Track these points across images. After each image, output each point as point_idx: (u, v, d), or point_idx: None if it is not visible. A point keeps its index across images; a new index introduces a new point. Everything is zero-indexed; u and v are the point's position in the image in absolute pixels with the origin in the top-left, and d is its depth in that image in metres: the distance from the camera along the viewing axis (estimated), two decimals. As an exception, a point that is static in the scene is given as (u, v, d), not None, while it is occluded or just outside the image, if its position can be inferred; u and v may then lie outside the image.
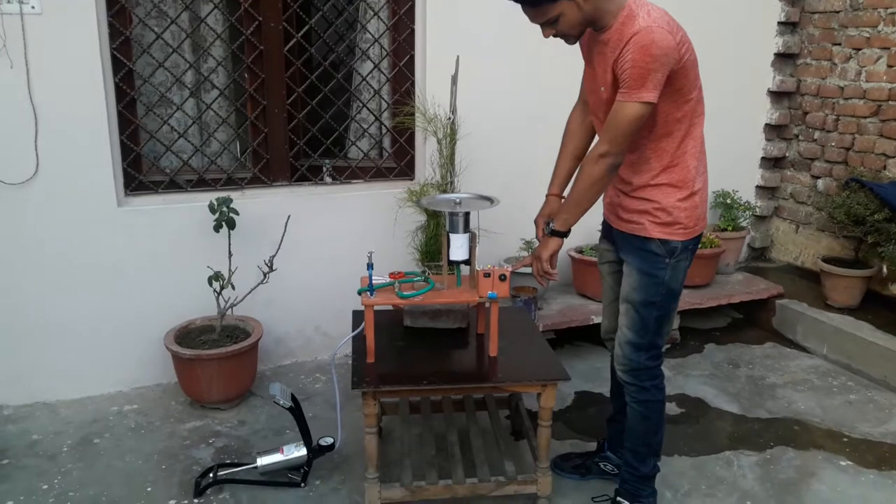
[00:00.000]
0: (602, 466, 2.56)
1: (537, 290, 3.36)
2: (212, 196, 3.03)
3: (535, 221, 2.37)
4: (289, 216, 3.07)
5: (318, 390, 3.21)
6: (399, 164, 3.55)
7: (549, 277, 2.22)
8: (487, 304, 2.34)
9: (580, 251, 3.66)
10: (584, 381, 3.33)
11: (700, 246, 2.53)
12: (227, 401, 2.98)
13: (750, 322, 4.01)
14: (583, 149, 2.31)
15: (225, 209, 2.94)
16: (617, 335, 2.24)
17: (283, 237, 3.06)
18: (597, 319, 3.41)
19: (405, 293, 2.28)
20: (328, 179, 3.45)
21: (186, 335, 3.05)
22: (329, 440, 2.56)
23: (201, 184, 3.21)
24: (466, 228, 2.32)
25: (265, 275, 3.00)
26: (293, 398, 2.52)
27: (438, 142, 3.16)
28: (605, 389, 3.11)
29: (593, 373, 3.40)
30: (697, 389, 3.27)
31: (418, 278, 2.38)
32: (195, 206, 3.06)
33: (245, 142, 3.32)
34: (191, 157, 3.20)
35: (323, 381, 3.28)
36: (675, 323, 3.72)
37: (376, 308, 2.27)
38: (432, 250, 3.11)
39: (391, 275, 2.32)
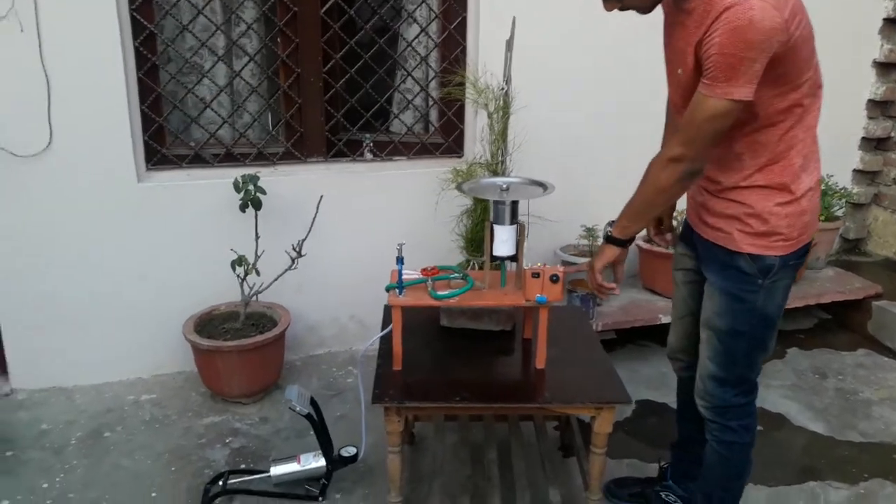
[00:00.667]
0: (664, 497, 2.20)
1: (596, 285, 2.99)
2: (240, 172, 2.77)
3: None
4: (321, 196, 2.78)
5: (350, 385, 2.94)
6: (446, 139, 3.22)
7: (604, 292, 1.87)
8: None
9: (649, 241, 3.26)
10: (647, 388, 2.96)
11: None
12: (249, 395, 2.74)
13: (840, 324, 3.54)
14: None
15: (251, 188, 2.67)
16: (699, 365, 1.86)
17: (314, 218, 2.78)
18: (665, 319, 3.02)
19: (439, 293, 1.96)
20: (368, 155, 3.14)
21: (209, 322, 2.82)
22: (352, 450, 2.28)
23: (229, 158, 2.96)
24: (514, 219, 1.98)
25: (293, 260, 2.73)
26: (312, 402, 2.25)
27: (489, 116, 2.80)
28: (671, 399, 2.74)
29: (659, 378, 3.02)
30: (778, 403, 2.86)
31: (455, 275, 2.05)
32: (222, 182, 2.80)
33: (277, 113, 3.04)
34: (218, 129, 2.94)
35: (356, 376, 3.01)
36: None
37: (408, 307, 1.96)
38: (478, 238, 2.78)
39: (423, 271, 2.00)
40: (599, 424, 1.91)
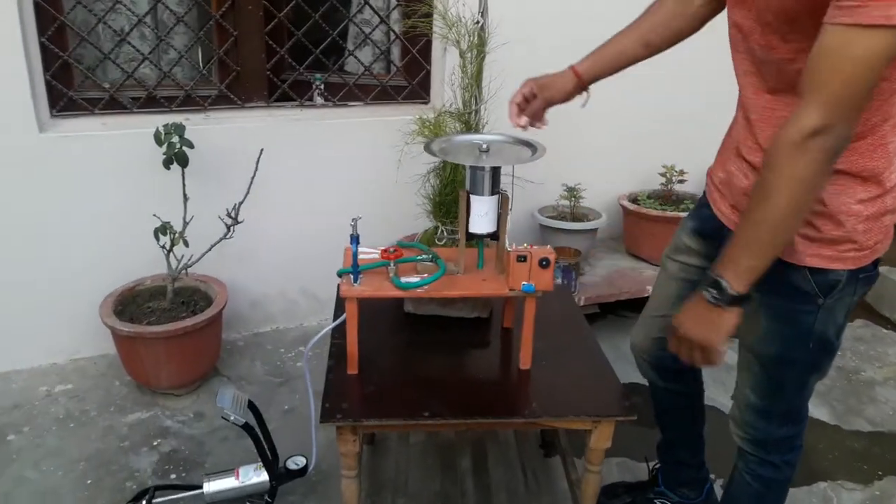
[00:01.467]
0: (658, 505, 1.91)
1: (580, 253, 2.64)
2: (165, 120, 2.31)
3: (512, 101, 1.64)
4: (262, 150, 2.34)
5: (300, 371, 2.57)
6: (410, 82, 2.78)
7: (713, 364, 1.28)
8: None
9: (635, 200, 2.91)
10: (632, 367, 2.63)
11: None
12: (181, 386, 2.35)
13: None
14: (663, 34, 1.50)
15: (175, 140, 2.22)
16: (736, 390, 1.51)
17: (254, 176, 2.34)
18: (654, 291, 2.69)
19: (404, 280, 1.58)
20: (318, 100, 2.70)
21: (132, 301, 2.40)
22: (301, 461, 1.93)
23: (151, 103, 2.48)
24: (495, 188, 1.59)
25: (228, 228, 2.31)
26: (251, 407, 1.88)
27: (462, 55, 2.37)
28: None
29: (645, 356, 2.71)
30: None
31: (423, 257, 1.67)
32: (143, 133, 2.32)
33: (209, 49, 2.56)
34: (137, 67, 2.45)
35: (309, 356, 2.63)
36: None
37: (365, 298, 1.58)
38: (447, 202, 2.39)
39: (384, 253, 1.61)
40: (596, 440, 1.58)
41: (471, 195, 1.60)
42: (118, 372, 2.46)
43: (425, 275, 1.64)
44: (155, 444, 2.17)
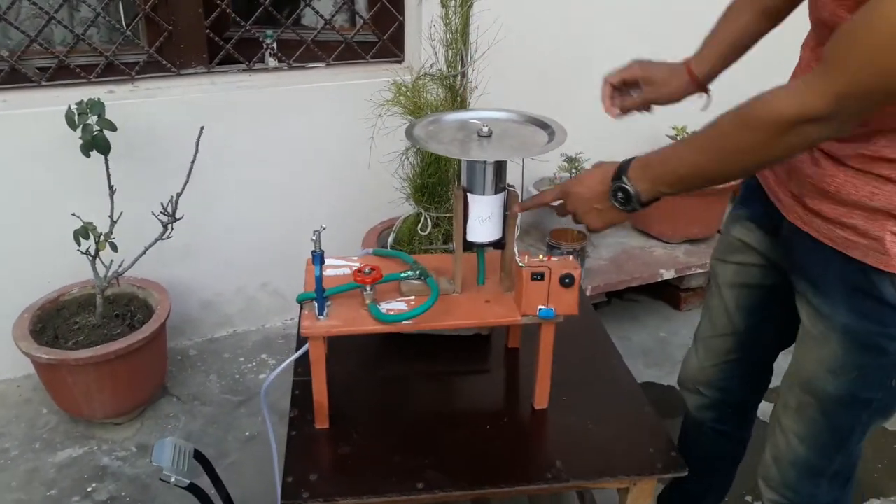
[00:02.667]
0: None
1: (586, 237, 2.28)
2: (83, 94, 1.88)
3: (608, 80, 1.33)
4: (202, 128, 1.92)
5: (263, 383, 2.19)
6: (380, 37, 2.36)
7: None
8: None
9: (641, 169, 2.55)
10: (646, 363, 2.33)
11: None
12: (120, 414, 1.98)
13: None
14: (752, 33, 1.21)
15: (91, 121, 1.78)
16: (774, 443, 1.19)
17: (194, 160, 1.92)
18: (668, 274, 2.36)
19: (385, 309, 1.22)
20: (270, 62, 2.26)
21: (55, 315, 1.99)
22: (265, 517, 1.58)
23: (64, 73, 2.03)
24: (500, 184, 1.22)
25: (165, 226, 1.90)
26: (197, 456, 1.51)
27: (443, 3, 1.95)
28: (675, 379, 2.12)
29: (658, 348, 2.40)
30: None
31: (409, 273, 1.30)
32: (55, 111, 1.87)
33: (132, 4, 2.10)
34: (43, 27, 1.99)
35: (272, 367, 2.27)
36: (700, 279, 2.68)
37: (334, 336, 1.21)
38: (430, 184, 1.99)
39: (357, 275, 1.23)
40: (635, 499, 1.25)
41: (468, 193, 1.22)
42: (45, 397, 2.07)
43: (411, 298, 1.27)
44: (90, 489, 1.80)
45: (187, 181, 1.91)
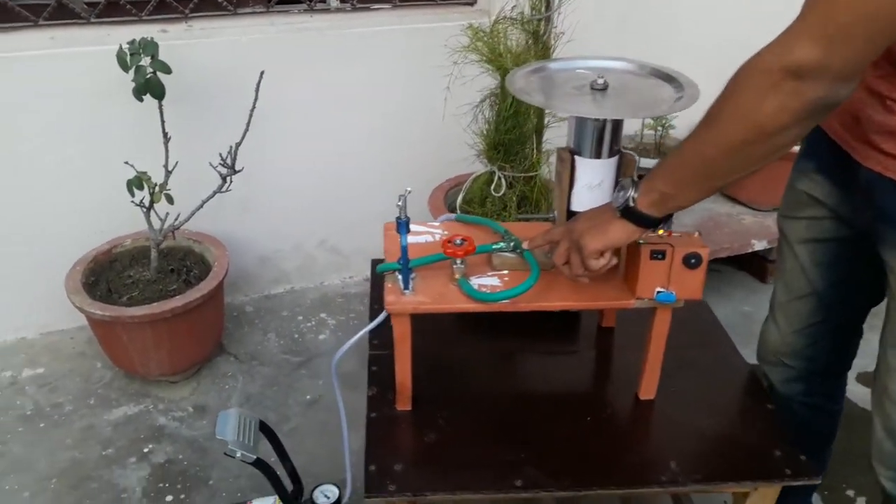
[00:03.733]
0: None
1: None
2: (133, 32, 1.74)
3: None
4: (262, 72, 1.77)
5: (324, 345, 2.10)
6: (450, -24, 2.17)
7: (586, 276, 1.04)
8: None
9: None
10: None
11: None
12: (176, 372, 1.90)
13: None
14: None
15: (144, 63, 1.65)
16: (882, 415, 1.06)
17: (253, 108, 1.79)
18: (759, 244, 2.18)
19: (478, 286, 1.08)
20: (333, 2, 2.09)
21: (108, 268, 1.91)
22: (332, 492, 1.48)
23: (114, 10, 1.89)
24: (615, 146, 1.06)
25: (224, 179, 1.78)
26: (263, 428, 1.41)
27: (524, -62, 1.76)
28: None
29: (742, 324, 2.22)
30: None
31: (500, 245, 1.15)
32: (106, 51, 1.75)
33: (188, -66, 1.94)
34: (92, -40, 1.85)
35: (332, 327, 2.17)
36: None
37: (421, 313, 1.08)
38: (507, 141, 1.83)
39: (447, 245, 1.09)
40: (755, 501, 1.12)
41: (575, 157, 1.06)
42: (99, 350, 2.00)
43: (504, 273, 1.13)
44: (146, 450, 1.73)
45: (247, 130, 1.78)
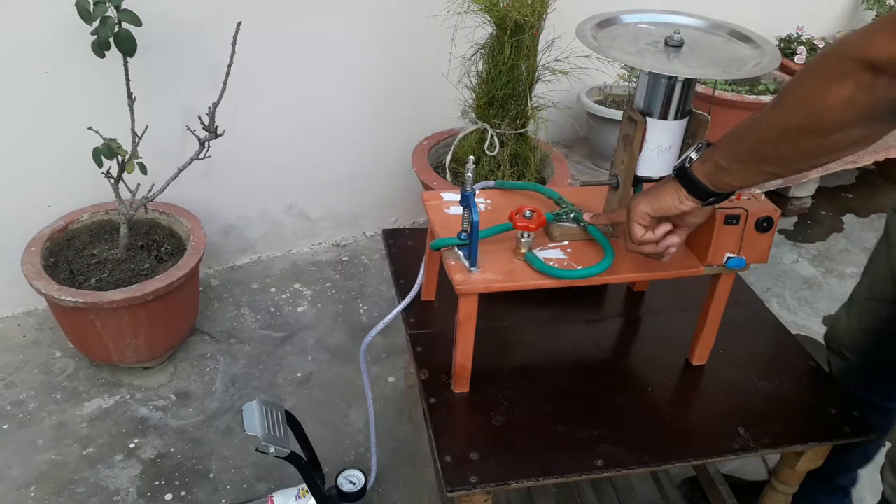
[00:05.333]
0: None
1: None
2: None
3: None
4: (239, 23, 1.59)
5: (304, 317, 1.98)
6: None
7: (646, 251, 0.99)
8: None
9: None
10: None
11: None
12: (152, 358, 1.74)
13: (885, 176, 2.91)
14: None
15: (110, 13, 1.44)
16: None
17: (230, 63, 1.61)
18: None
19: (547, 261, 1.02)
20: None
21: (67, 246, 1.71)
22: (357, 478, 1.41)
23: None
24: (686, 107, 1.01)
25: (202, 144, 1.61)
26: (288, 418, 1.31)
27: None
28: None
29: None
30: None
31: (562, 213, 1.09)
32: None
33: None
34: None
35: (309, 298, 2.05)
36: (809, 189, 2.59)
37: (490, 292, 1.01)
38: (501, 97, 1.75)
39: (517, 218, 1.02)
40: (807, 461, 1.14)
41: (646, 116, 1.01)
42: (55, 337, 1.81)
43: (565, 243, 1.08)
44: (132, 445, 1.59)
45: (224, 89, 1.61)
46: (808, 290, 2.23)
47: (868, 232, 2.56)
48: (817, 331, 2.05)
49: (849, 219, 2.64)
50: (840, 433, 1.08)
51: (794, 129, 0.77)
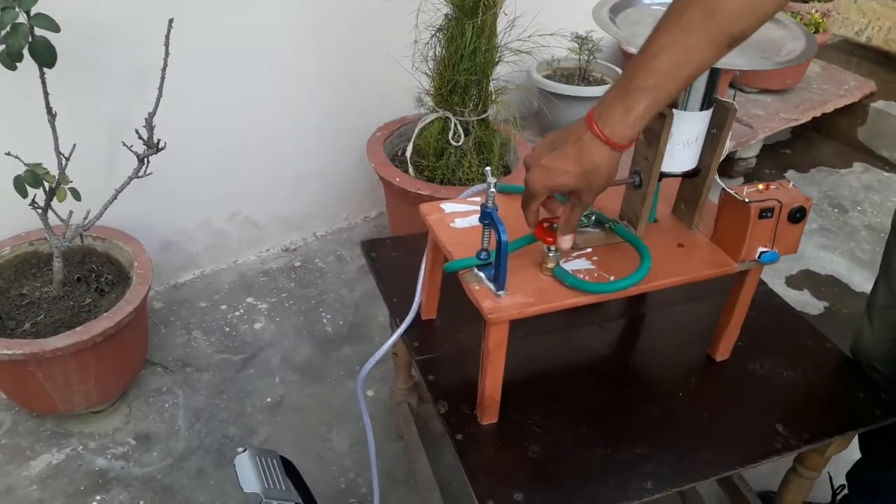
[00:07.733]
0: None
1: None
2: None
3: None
4: (171, 20, 1.40)
5: (262, 334, 1.83)
6: None
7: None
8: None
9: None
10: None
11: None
12: (103, 402, 1.55)
13: (819, 131, 2.97)
14: None
15: (22, 18, 1.23)
16: None
17: (165, 65, 1.42)
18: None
19: (575, 274, 0.93)
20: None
21: (-13, 287, 1.49)
22: (360, 514, 1.30)
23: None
24: (711, 97, 0.93)
25: (142, 161, 1.42)
26: (285, 465, 1.18)
27: None
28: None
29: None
30: (822, 260, 2.26)
31: (584, 221, 1.00)
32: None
33: None
34: None
35: (265, 312, 1.89)
36: (755, 149, 2.61)
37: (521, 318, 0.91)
38: (464, 83, 1.63)
39: (541, 232, 0.92)
40: (837, 446, 1.12)
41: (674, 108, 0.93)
42: (-14, 390, 1.59)
43: (588, 250, 0.99)
44: (94, 502, 1.42)
45: (160, 95, 1.42)
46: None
47: (810, 186, 2.61)
48: (782, 292, 2.07)
49: (791, 175, 2.69)
50: (872, 417, 1.06)
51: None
